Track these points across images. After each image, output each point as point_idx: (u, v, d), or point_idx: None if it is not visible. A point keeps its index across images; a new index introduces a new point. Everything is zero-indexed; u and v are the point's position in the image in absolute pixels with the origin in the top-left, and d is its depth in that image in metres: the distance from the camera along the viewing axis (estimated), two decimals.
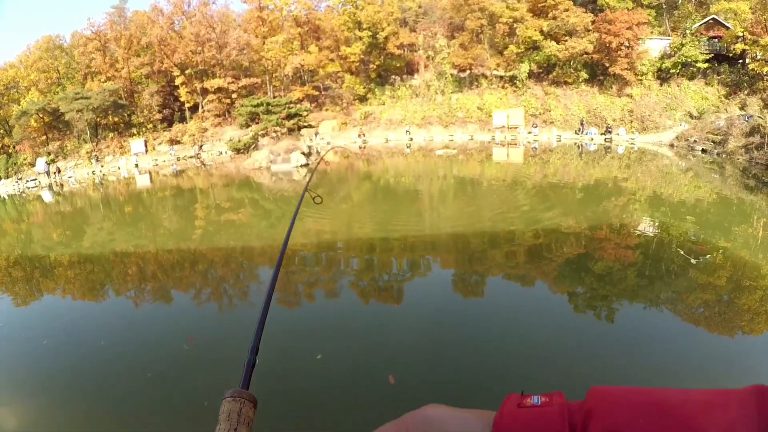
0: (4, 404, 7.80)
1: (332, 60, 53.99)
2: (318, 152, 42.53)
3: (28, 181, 45.29)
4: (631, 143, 39.71)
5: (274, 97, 46.70)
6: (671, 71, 44.40)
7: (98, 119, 52.29)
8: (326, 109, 54.53)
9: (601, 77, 46.73)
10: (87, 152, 50.52)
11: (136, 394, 7.47)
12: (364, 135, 49.67)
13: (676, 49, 44.57)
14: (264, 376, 7.07)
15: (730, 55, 42.30)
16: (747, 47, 39.81)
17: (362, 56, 53.32)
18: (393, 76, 55.19)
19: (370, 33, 51.39)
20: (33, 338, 10.42)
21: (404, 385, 6.89)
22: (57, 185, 43.92)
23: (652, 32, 47.28)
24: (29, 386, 8.16)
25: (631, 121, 42.87)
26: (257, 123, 43.45)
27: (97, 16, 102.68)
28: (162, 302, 12.35)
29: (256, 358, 0.92)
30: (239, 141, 44.96)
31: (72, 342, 9.93)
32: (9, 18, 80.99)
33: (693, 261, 12.28)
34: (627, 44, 44.01)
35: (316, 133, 49.65)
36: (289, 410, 6.41)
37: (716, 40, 43.93)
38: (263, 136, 41.70)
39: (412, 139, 47.93)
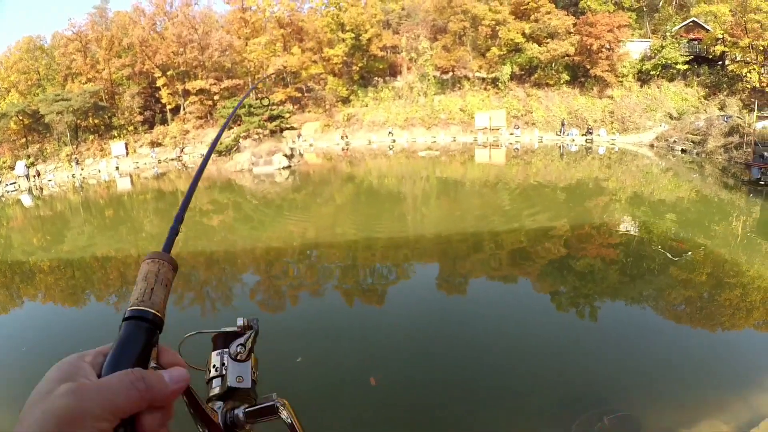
0: None
1: (315, 62, 53.82)
2: (301, 154, 42.38)
3: (7, 184, 44.39)
4: (612, 144, 40.09)
5: (257, 99, 46.45)
6: (651, 73, 44.87)
7: (78, 121, 51.52)
8: (309, 111, 54.33)
9: (582, 79, 47.09)
10: (67, 155, 49.72)
11: None
12: (347, 137, 49.56)
13: (656, 51, 45.06)
14: None
15: (710, 56, 42.81)
16: (726, 49, 40.36)
17: (345, 58, 53.20)
18: (376, 78, 55.14)
19: (353, 35, 51.31)
20: (12, 347, 10.27)
21: (386, 387, 6.88)
22: (37, 189, 43.26)
23: (632, 35, 47.73)
24: (6, 396, 7.97)
25: (612, 122, 43.24)
26: (239, 125, 43.19)
27: (79, 16, 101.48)
28: None
29: (179, 227, 0.84)
30: (221, 143, 44.63)
31: (53, 349, 9.77)
32: None
33: (674, 258, 12.41)
34: (608, 46, 44.40)
35: (299, 135, 49.45)
36: None
37: (696, 42, 44.49)
38: (245, 138, 41.46)
39: (394, 141, 47.89)
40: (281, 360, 7.69)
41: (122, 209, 29.00)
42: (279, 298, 11.70)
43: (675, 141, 35.39)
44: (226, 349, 0.89)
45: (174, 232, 0.83)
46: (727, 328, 8.76)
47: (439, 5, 51.19)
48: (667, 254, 12.73)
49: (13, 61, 55.84)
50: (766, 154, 25.70)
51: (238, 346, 0.88)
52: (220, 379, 0.87)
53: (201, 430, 0.81)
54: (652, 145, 37.81)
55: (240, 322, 0.91)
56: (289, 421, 0.85)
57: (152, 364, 0.70)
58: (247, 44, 53.90)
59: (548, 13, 46.97)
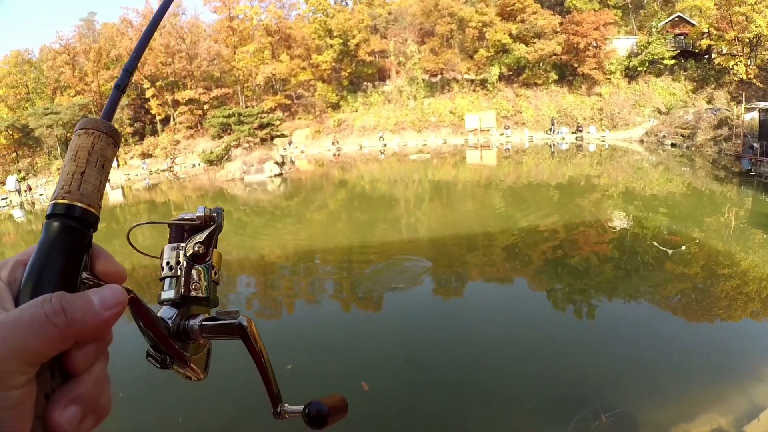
0: None
1: (304, 68, 53.84)
2: (292, 161, 42.29)
3: None
4: (602, 141, 40.23)
5: (246, 107, 46.37)
6: (639, 69, 45.11)
7: (68, 134, 51.23)
8: (299, 118, 54.31)
9: (571, 77, 47.29)
10: (58, 169, 49.34)
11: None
12: (338, 142, 49.55)
13: (642, 47, 45.33)
14: (232, 390, 6.98)
15: (696, 51, 43.12)
16: (712, 43, 40.62)
17: (334, 64, 53.28)
18: (365, 83, 55.23)
19: (341, 40, 51.41)
20: None
21: (378, 392, 6.81)
22: (29, 203, 42.97)
23: (618, 32, 48.03)
24: None
25: (601, 119, 43.43)
26: (229, 134, 43.08)
27: (66, 29, 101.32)
28: (129, 320, 12.07)
29: (126, 86, 0.63)
30: (212, 152, 44.48)
31: None
32: None
33: (668, 251, 12.40)
34: (595, 44, 44.65)
35: (290, 142, 49.39)
36: (258, 420, 6.27)
37: (682, 37, 44.78)
38: (236, 146, 41.36)
39: (386, 145, 47.90)
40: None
41: (114, 221, 28.81)
42: (269, 306, 11.62)
43: (665, 135, 35.55)
44: (183, 245, 0.73)
45: (118, 91, 0.64)
46: (723, 319, 8.74)
47: (425, 9, 51.33)
48: (661, 248, 12.73)
49: (1, 76, 55.65)
50: (755, 145, 25.81)
51: (196, 244, 0.71)
52: (173, 280, 0.71)
53: (145, 339, 0.65)
54: (642, 141, 37.97)
55: (201, 211, 0.75)
56: (253, 344, 0.68)
57: (84, 275, 0.54)
58: (235, 53, 53.89)
59: (534, 13, 47.23)
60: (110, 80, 54.84)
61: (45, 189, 47.07)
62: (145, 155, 51.67)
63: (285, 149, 46.49)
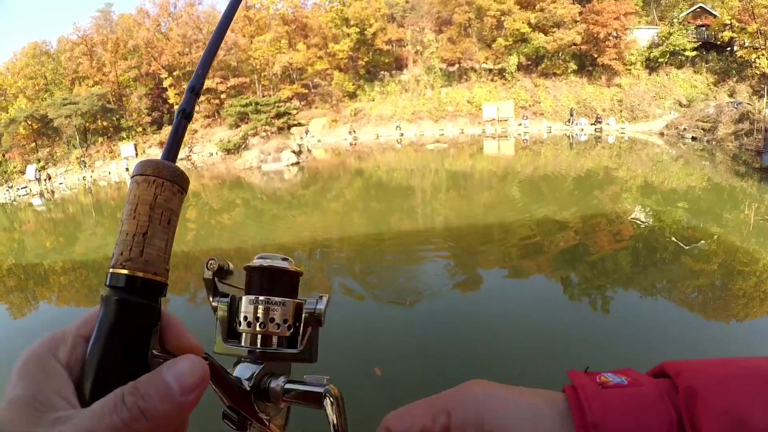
0: None
1: (320, 57, 53.78)
2: (309, 150, 42.37)
3: (18, 189, 44.79)
4: (622, 133, 39.80)
5: (263, 97, 46.45)
6: (660, 60, 44.51)
7: (87, 124, 51.85)
8: (316, 107, 54.37)
9: (590, 68, 46.80)
10: (77, 158, 50.09)
11: None
12: (354, 132, 49.55)
13: (664, 38, 44.68)
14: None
15: (718, 42, 42.41)
16: (735, 35, 39.88)
17: (350, 53, 53.16)
18: (382, 72, 55.09)
19: (357, 29, 51.25)
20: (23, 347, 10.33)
21: (391, 377, 6.87)
22: (48, 192, 43.57)
23: (639, 22, 47.36)
24: None
25: (621, 111, 42.95)
26: (247, 123, 43.22)
27: (83, 20, 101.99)
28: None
29: (192, 115, 0.54)
30: (229, 141, 44.70)
31: None
32: None
33: (686, 247, 12.32)
34: (615, 34, 44.11)
35: (307, 131, 49.47)
36: None
37: (704, 28, 44.04)
38: (253, 135, 41.49)
39: (402, 135, 47.81)
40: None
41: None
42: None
43: (685, 129, 35.10)
44: (270, 298, 0.64)
45: (183, 119, 0.53)
46: (740, 318, 8.70)
47: None
48: (679, 243, 12.65)
49: (20, 67, 56.25)
50: None
51: (317, 312, 0.65)
52: (255, 337, 0.63)
53: (221, 399, 0.56)
54: (662, 133, 37.53)
55: (287, 261, 0.68)
56: (335, 420, 0.60)
57: (153, 352, 0.46)
58: (251, 42, 53.92)
59: (554, 1, 46.69)
60: (128, 70, 55.34)
61: (64, 178, 47.74)
62: (163, 144, 51.86)
63: (302, 138, 46.59)
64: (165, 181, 0.49)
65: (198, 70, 0.60)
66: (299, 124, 44.54)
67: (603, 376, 0.41)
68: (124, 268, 0.46)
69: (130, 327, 0.45)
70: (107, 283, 0.47)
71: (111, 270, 0.47)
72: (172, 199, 0.50)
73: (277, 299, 0.64)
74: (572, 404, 0.39)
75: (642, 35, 46.52)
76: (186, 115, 0.54)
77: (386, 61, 54.74)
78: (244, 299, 0.65)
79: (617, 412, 0.37)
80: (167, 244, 0.50)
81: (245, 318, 0.64)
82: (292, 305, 0.65)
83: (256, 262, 0.67)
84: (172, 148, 0.52)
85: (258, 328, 0.63)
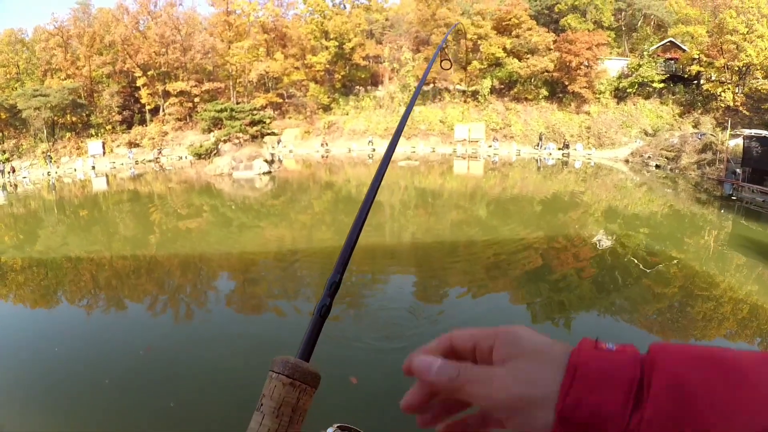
0: None
1: (297, 68, 53.78)
2: (280, 160, 42.27)
3: None
4: (588, 158, 40.70)
5: (238, 103, 46.16)
6: (628, 90, 45.73)
7: (56, 118, 50.58)
8: (290, 117, 54.21)
9: (561, 95, 47.79)
10: (43, 152, 48.74)
11: (93, 398, 7.45)
12: (326, 144, 49.57)
13: (633, 69, 45.98)
14: (212, 385, 7.09)
15: (686, 76, 43.83)
16: (702, 69, 41.39)
17: (328, 66, 53.33)
18: (357, 87, 55.33)
19: (336, 43, 51.54)
20: None
21: (366, 386, 6.95)
22: (11, 185, 42.40)
23: (611, 53, 48.75)
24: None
25: (588, 138, 43.91)
26: (220, 128, 42.89)
27: (62, 11, 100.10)
28: (117, 309, 12.06)
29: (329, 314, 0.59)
30: (201, 146, 44.21)
31: (27, 349, 9.69)
32: None
33: (647, 270, 12.67)
34: (586, 64, 45.18)
35: (279, 141, 49.25)
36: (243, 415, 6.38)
37: (672, 61, 45.50)
38: (225, 142, 41.16)
39: (374, 150, 47.95)
40: (258, 368, 7.76)
41: (97, 210, 28.62)
42: (254, 304, 11.70)
43: (650, 157, 36.11)
44: None
45: (320, 318, 0.60)
46: (698, 338, 8.97)
47: (422, 17, 51.54)
48: (640, 266, 12.99)
49: None
50: (738, 170, 26.36)
51: None
52: None
53: None
54: (627, 161, 38.52)
55: None
56: None
57: None
58: (230, 47, 53.68)
59: (529, 29, 47.72)
60: (102, 66, 54.32)
61: (28, 172, 46.43)
62: (132, 144, 51.14)
63: (274, 148, 46.37)
64: (308, 387, 0.55)
65: (337, 266, 0.68)
66: (273, 134, 44.36)
67: (602, 344, 0.49)
68: None
69: None
70: None
71: None
72: (308, 401, 0.55)
73: None
74: (572, 352, 0.48)
75: (612, 65, 47.81)
76: (323, 313, 0.60)
77: (362, 76, 55.06)
78: None
79: (595, 362, 0.45)
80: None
81: None
82: None
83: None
84: (308, 346, 0.58)
85: None
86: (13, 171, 45.72)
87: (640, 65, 45.27)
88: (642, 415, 0.40)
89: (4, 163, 46.43)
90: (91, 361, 8.67)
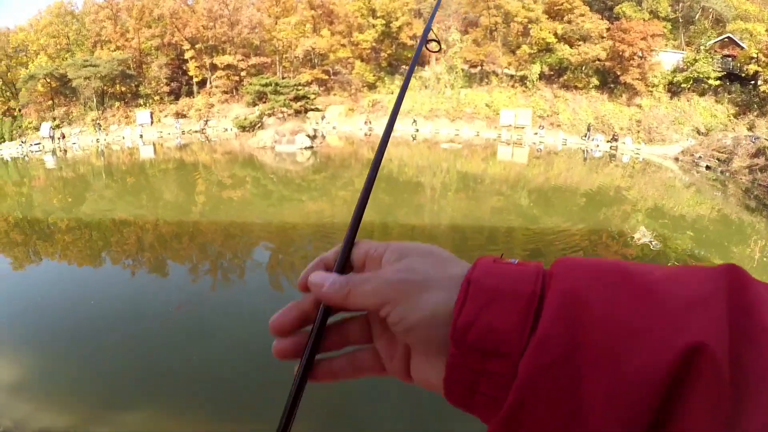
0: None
1: (344, 45, 53.65)
2: (323, 136, 42.42)
3: (32, 144, 44.94)
4: (637, 153, 39.66)
5: (283, 78, 46.43)
6: (682, 85, 44.20)
7: (105, 88, 51.86)
8: (334, 94, 54.28)
9: (612, 85, 46.58)
10: (92, 120, 50.21)
11: (115, 346, 8.08)
12: (370, 122, 49.50)
13: (688, 63, 44.36)
14: (236, 346, 7.20)
15: (743, 75, 42.07)
16: (760, 69, 39.59)
17: (374, 44, 53.03)
18: (403, 66, 54.89)
19: (383, 21, 51.15)
20: (30, 297, 10.59)
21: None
22: (61, 150, 43.73)
23: (666, 45, 47.13)
24: (27, 339, 8.61)
25: (638, 132, 42.74)
26: (264, 102, 43.26)
27: None
28: (157, 272, 12.50)
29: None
30: (245, 119, 44.78)
31: (65, 301, 10.19)
32: None
33: None
34: (640, 54, 43.88)
35: (323, 117, 49.42)
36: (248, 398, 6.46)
37: (730, 58, 43.67)
38: (269, 115, 41.52)
39: (418, 130, 47.76)
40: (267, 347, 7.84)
41: (143, 176, 29.27)
42: (290, 274, 11.79)
43: (700, 157, 34.96)
44: None
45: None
46: None
47: None
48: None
49: (43, 25, 56.39)
50: None
51: None
52: None
53: None
54: (676, 159, 37.38)
55: None
56: None
57: None
58: (276, 23, 53.85)
59: (582, 15, 46.44)
60: (151, 38, 55.33)
61: (78, 138, 47.81)
62: (179, 115, 52.13)
63: (317, 123, 46.52)
64: None
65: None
66: (316, 109, 44.55)
67: (505, 259, 0.47)
68: None
69: None
70: None
71: None
72: None
73: None
74: (470, 268, 0.46)
75: (667, 58, 46.25)
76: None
77: (409, 55, 54.57)
78: None
79: (491, 277, 0.43)
80: None
81: None
82: None
83: None
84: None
85: None
86: (63, 137, 47.07)
87: (696, 60, 43.57)
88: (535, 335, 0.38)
89: (54, 129, 47.72)
90: (123, 315, 9.21)
